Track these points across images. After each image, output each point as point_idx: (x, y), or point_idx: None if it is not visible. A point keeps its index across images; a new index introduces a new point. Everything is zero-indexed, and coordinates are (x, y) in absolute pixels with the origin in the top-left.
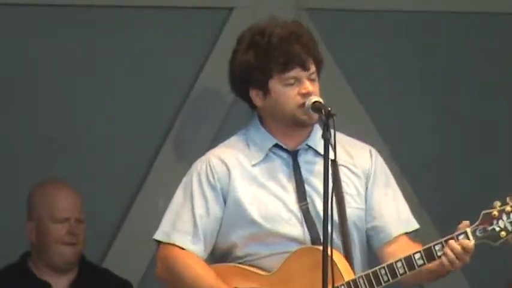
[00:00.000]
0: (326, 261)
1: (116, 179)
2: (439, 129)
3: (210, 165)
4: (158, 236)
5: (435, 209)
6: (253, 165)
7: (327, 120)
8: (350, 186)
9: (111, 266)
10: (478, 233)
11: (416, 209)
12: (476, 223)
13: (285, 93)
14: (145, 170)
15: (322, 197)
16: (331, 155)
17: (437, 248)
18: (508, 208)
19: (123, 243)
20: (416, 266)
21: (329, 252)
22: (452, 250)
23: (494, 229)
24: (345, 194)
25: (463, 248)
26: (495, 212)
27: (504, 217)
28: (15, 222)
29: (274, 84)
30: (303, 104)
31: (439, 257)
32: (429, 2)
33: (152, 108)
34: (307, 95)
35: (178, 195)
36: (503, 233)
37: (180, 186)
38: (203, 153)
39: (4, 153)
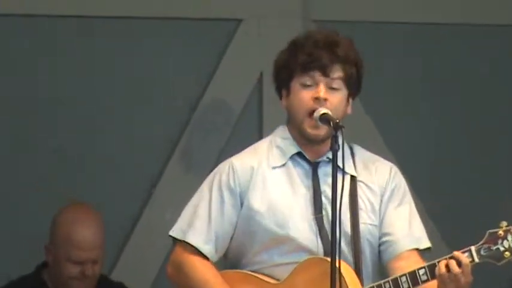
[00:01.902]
0: (334, 271)
1: (124, 191)
2: (444, 138)
3: (232, 168)
4: (173, 232)
5: (445, 223)
6: (274, 168)
7: (336, 132)
8: (365, 202)
9: (119, 277)
10: (482, 252)
11: (426, 223)
12: (482, 242)
13: (300, 95)
14: (154, 181)
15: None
16: (352, 171)
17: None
18: None
19: (131, 254)
20: (420, 282)
21: (337, 264)
22: (446, 268)
23: (498, 249)
24: (359, 210)
25: (458, 265)
26: (501, 232)
27: (509, 237)
28: (22, 232)
29: (295, 84)
30: (312, 112)
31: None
32: (436, 14)
33: (160, 120)
34: (318, 100)
35: (199, 194)
36: (507, 253)
37: (202, 186)
38: (211, 165)
39: (9, 162)
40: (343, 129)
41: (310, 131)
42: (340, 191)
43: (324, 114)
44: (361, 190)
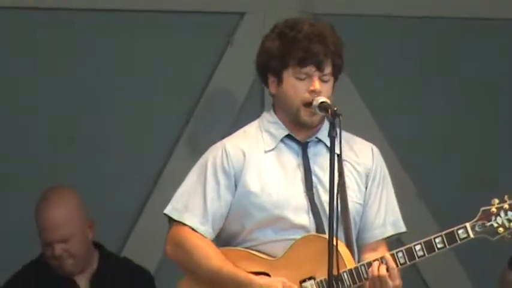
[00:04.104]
0: (332, 250)
1: (130, 179)
2: (442, 128)
3: (225, 151)
4: (168, 210)
5: (437, 205)
6: (266, 152)
7: (334, 119)
8: (352, 181)
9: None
10: (477, 228)
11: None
12: (476, 218)
13: (295, 86)
14: (159, 169)
15: (326, 188)
16: (337, 151)
17: (437, 240)
18: (505, 206)
19: (136, 243)
20: (416, 257)
21: (334, 243)
22: (375, 271)
23: (492, 225)
24: (347, 188)
25: (386, 268)
26: (493, 209)
27: (502, 214)
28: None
29: (288, 75)
30: (309, 103)
31: (439, 249)
32: (433, 8)
33: (166, 109)
34: (314, 93)
35: (192, 176)
36: (500, 229)
37: (195, 168)
38: None
39: (23, 153)
40: (340, 116)
41: (306, 118)
42: (330, 172)
43: (323, 102)
44: (347, 170)
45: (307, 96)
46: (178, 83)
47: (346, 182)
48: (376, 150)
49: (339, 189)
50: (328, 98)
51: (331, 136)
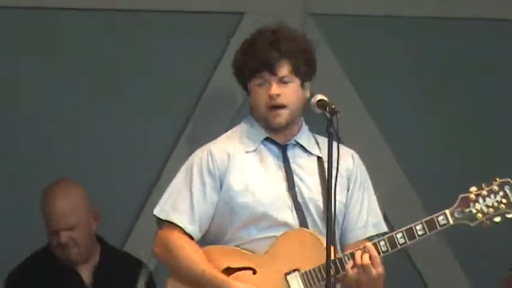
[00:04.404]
0: (329, 254)
1: (131, 176)
2: (442, 128)
3: (210, 154)
4: (156, 211)
5: (435, 205)
6: (247, 152)
7: (331, 116)
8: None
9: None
10: (456, 215)
11: (415, 204)
12: (455, 205)
13: (258, 93)
14: (160, 167)
15: (308, 186)
16: (317, 152)
17: (418, 227)
18: (484, 192)
19: (136, 242)
20: (398, 245)
21: (319, 236)
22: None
23: (471, 211)
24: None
25: (370, 258)
26: (472, 196)
27: (480, 200)
28: (35, 222)
29: (251, 85)
30: (272, 106)
31: (420, 236)
32: (439, 8)
33: (167, 107)
34: (272, 97)
35: (179, 179)
36: (479, 215)
37: (181, 171)
38: None
39: (23, 151)
40: (338, 113)
41: (272, 120)
42: (328, 169)
43: (320, 100)
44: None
45: (268, 101)
46: (178, 83)
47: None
48: (356, 155)
49: (330, 188)
50: (293, 99)
51: (329, 133)
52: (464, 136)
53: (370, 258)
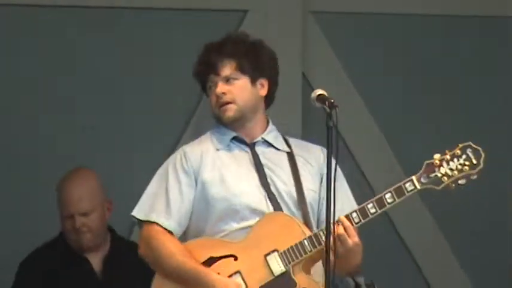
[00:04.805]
0: (329, 255)
1: (131, 178)
2: (442, 128)
3: (184, 154)
4: (135, 212)
5: (435, 203)
6: (218, 150)
7: (330, 110)
8: (306, 172)
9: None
10: (422, 180)
11: (417, 203)
12: (421, 171)
13: (210, 95)
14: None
15: (280, 178)
16: (286, 148)
17: (387, 196)
18: (447, 157)
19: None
20: (369, 214)
21: (296, 220)
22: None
23: (436, 175)
24: (301, 177)
25: (344, 229)
26: (436, 161)
27: (445, 165)
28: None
29: (206, 89)
30: (220, 105)
31: (390, 203)
32: (434, 7)
33: (167, 108)
34: (218, 96)
35: (155, 181)
36: (445, 178)
37: (157, 174)
38: None
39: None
40: (337, 107)
41: (223, 116)
42: (328, 160)
43: (319, 95)
44: (300, 163)
45: (216, 100)
46: (180, 82)
47: (300, 173)
48: (325, 150)
49: (298, 181)
50: (241, 95)
51: (328, 126)
52: (467, 136)
53: (345, 229)
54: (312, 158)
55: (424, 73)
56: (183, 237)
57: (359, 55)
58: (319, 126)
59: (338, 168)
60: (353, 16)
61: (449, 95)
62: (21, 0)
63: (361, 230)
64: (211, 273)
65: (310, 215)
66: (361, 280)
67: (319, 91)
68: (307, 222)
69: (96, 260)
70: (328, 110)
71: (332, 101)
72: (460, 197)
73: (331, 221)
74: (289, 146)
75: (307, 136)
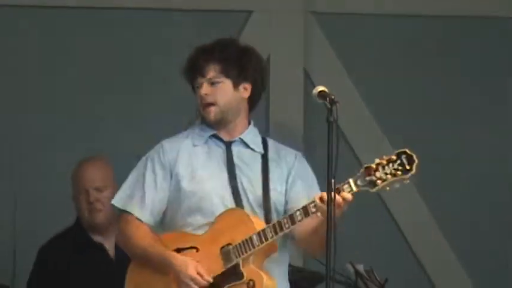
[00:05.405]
0: (330, 249)
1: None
2: (443, 128)
3: (162, 148)
4: (115, 201)
5: (438, 205)
6: (195, 146)
7: (331, 106)
8: (274, 174)
9: None
10: (359, 182)
11: (419, 204)
12: (358, 175)
13: (196, 95)
14: None
15: (249, 178)
16: (261, 150)
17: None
18: (383, 162)
19: None
20: (311, 213)
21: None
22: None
23: (372, 179)
24: (269, 179)
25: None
26: (373, 165)
27: (380, 169)
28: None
29: (194, 89)
30: (204, 105)
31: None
32: (435, 7)
33: (170, 108)
34: (202, 96)
35: (135, 172)
36: (379, 182)
37: (137, 166)
38: None
39: (25, 151)
40: (337, 104)
41: (207, 117)
42: (329, 157)
43: (321, 91)
44: (271, 166)
45: (200, 100)
46: (184, 82)
47: (270, 174)
48: (300, 155)
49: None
50: (224, 96)
51: (329, 122)
52: (467, 135)
53: (321, 199)
54: (283, 162)
55: (423, 71)
56: (161, 228)
57: (359, 55)
58: (320, 122)
59: (310, 176)
60: (356, 17)
61: (449, 95)
62: (19, 1)
63: (361, 224)
64: (176, 255)
65: (274, 215)
66: (360, 267)
67: (321, 87)
68: (268, 221)
69: (109, 244)
70: (328, 105)
71: (333, 97)
72: (460, 196)
73: (331, 217)
74: (265, 148)
75: (308, 131)
